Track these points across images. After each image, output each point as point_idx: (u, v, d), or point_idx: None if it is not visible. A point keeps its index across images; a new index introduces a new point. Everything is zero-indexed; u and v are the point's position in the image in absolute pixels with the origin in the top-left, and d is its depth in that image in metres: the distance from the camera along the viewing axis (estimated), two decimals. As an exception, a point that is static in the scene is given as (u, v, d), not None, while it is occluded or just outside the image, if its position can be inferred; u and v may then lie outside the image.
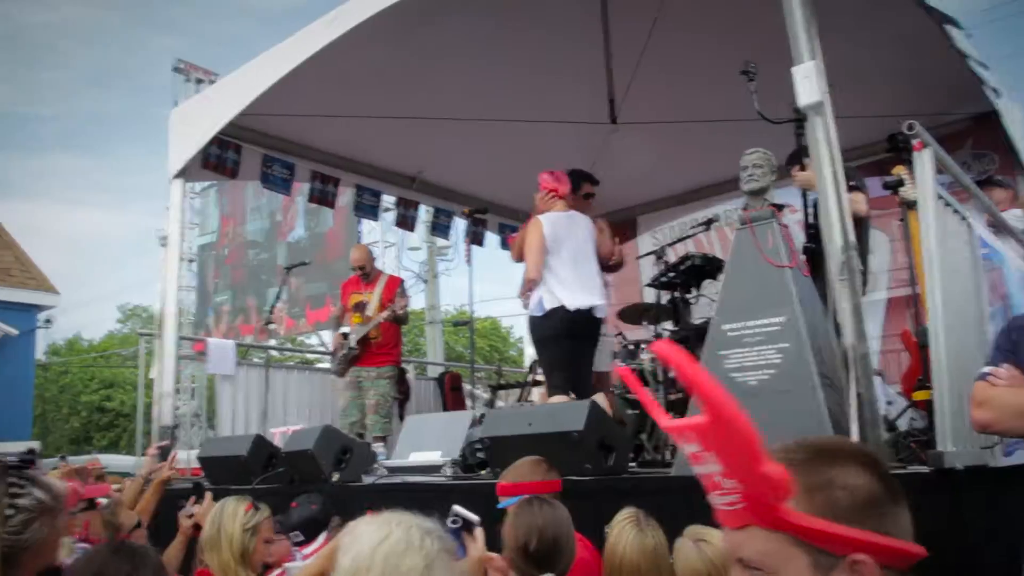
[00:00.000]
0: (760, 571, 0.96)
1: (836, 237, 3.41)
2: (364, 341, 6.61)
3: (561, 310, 5.02)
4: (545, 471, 3.12)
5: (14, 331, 14.20)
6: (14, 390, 13.97)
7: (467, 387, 8.77)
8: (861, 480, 0.95)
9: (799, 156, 4.40)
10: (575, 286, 5.08)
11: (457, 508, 2.41)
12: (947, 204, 3.15)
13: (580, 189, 5.73)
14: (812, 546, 0.92)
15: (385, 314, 6.54)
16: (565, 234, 5.21)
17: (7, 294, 14.51)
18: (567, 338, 5.05)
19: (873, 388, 3.23)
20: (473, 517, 2.41)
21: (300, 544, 3.49)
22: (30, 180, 65.35)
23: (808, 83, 3.59)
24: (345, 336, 6.79)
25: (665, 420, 1.05)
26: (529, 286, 5.16)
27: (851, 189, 3.96)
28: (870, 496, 0.95)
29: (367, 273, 6.89)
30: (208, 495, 3.82)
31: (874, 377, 3.51)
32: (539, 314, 5.10)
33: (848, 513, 0.93)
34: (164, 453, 4.83)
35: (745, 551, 0.97)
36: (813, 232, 4.18)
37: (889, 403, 4.95)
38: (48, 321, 15.41)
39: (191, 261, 17.29)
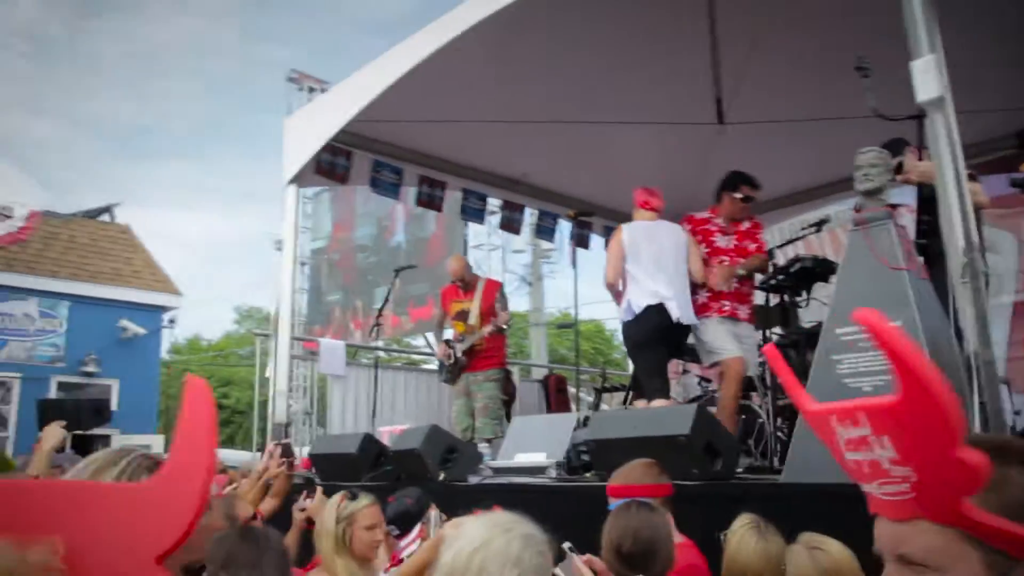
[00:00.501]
0: (925, 568, 0.90)
1: (958, 237, 3.27)
2: (469, 350, 6.73)
3: (647, 310, 5.12)
4: (657, 475, 3.09)
5: (143, 331, 15.03)
6: (142, 387, 14.80)
7: (571, 390, 8.77)
8: None
9: (897, 146, 4.21)
10: (649, 288, 5.17)
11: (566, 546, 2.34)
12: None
13: (737, 191, 5.48)
14: (988, 546, 0.86)
15: (488, 328, 6.67)
16: (645, 241, 5.30)
17: (138, 296, 15.40)
18: (657, 341, 5.18)
19: (999, 397, 3.08)
20: (578, 560, 2.35)
21: (397, 536, 3.57)
22: (151, 187, 69.08)
23: (928, 78, 3.45)
24: (449, 344, 6.93)
25: (812, 404, 1.00)
26: (610, 291, 5.45)
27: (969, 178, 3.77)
28: None
29: (466, 282, 7.00)
30: (319, 490, 3.95)
31: (1000, 386, 3.35)
32: (628, 318, 5.22)
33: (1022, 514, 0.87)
34: (286, 451, 4.94)
35: (910, 546, 0.90)
36: (925, 228, 4.01)
37: (1017, 413, 4.70)
38: (172, 321, 16.24)
39: (303, 264, 17.89)
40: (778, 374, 1.12)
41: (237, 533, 1.99)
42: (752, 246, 5.54)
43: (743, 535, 2.49)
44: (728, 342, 5.12)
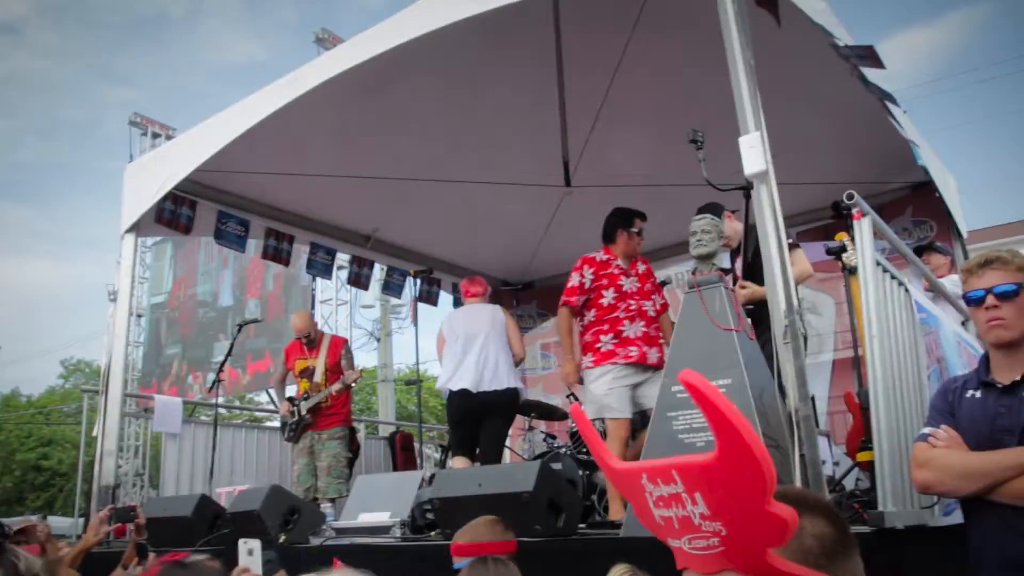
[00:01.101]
0: None
1: (781, 301, 3.50)
2: (315, 408, 6.59)
3: (451, 395, 5.75)
4: (501, 531, 3.10)
5: (-49, 386, 13.79)
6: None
7: (417, 446, 8.70)
8: (827, 529, 1.00)
9: (715, 210, 4.53)
10: (452, 372, 5.74)
11: None
12: (885, 270, 3.27)
13: (632, 226, 5.35)
14: None
15: (336, 386, 6.57)
16: (461, 324, 5.91)
17: (-56, 348, 14.13)
18: (462, 419, 5.75)
19: (816, 449, 3.29)
20: None
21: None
22: (-27, 231, 64.13)
23: (753, 152, 3.71)
24: (292, 401, 6.76)
25: (618, 463, 1.02)
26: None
27: (792, 247, 4.10)
28: (834, 544, 1.00)
29: (311, 339, 6.87)
30: (151, 556, 3.72)
31: (820, 438, 3.58)
32: (445, 398, 5.91)
33: (818, 560, 0.97)
34: (122, 515, 4.53)
35: None
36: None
37: (836, 464, 5.03)
38: (-13, 375, 15.00)
39: (140, 316, 17.03)
40: (583, 434, 1.12)
41: (171, 564, 1.79)
42: (649, 287, 5.31)
43: None
44: (615, 400, 4.81)
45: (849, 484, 4.49)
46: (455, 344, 5.80)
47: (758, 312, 4.76)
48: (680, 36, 5.43)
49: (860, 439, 4.06)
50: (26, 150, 64.73)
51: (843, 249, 4.08)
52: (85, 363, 35.86)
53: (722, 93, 3.92)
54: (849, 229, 3.36)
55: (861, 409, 4.00)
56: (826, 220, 6.77)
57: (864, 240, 3.07)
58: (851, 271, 3.93)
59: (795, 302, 3.49)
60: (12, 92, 63.45)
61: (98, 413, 6.67)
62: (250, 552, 2.95)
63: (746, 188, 3.80)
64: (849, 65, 4.39)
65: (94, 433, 6.76)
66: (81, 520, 7.76)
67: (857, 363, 4.19)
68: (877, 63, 4.32)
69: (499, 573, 2.50)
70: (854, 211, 3.11)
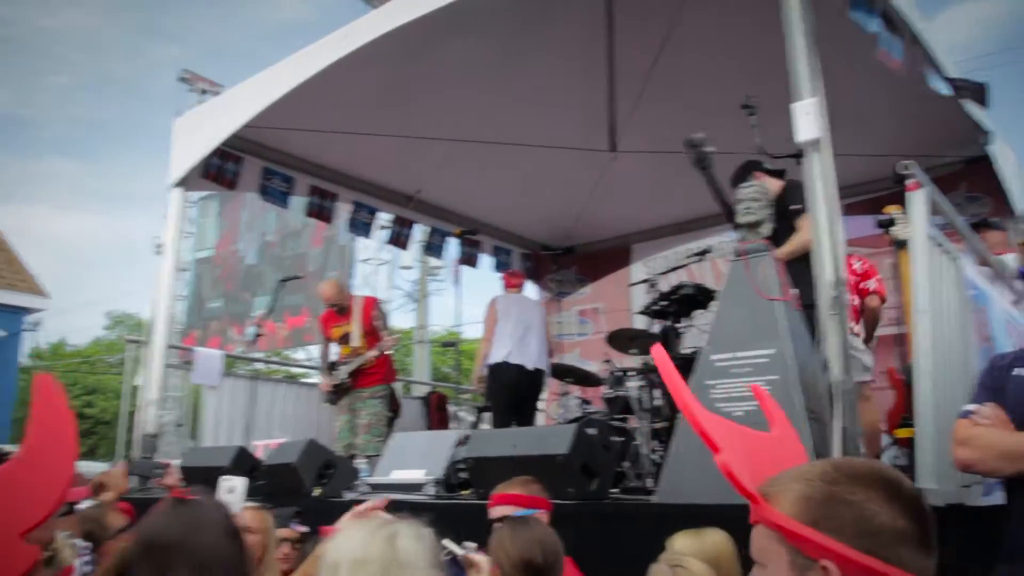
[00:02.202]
0: (761, 567, 1.05)
1: (828, 272, 3.44)
2: (355, 370, 6.63)
3: (504, 364, 6.58)
4: (538, 491, 3.11)
5: (2, 333, 14.15)
6: (-3, 392, 13.90)
7: (452, 408, 8.75)
8: (874, 505, 0.99)
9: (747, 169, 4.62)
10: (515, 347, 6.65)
11: (446, 543, 2.32)
12: (938, 244, 3.18)
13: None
14: (791, 546, 1.00)
15: (373, 353, 6.57)
16: (514, 308, 6.85)
17: (-3, 295, 14.49)
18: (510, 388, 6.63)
19: (857, 423, 3.24)
20: (458, 551, 2.34)
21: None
22: (25, 183, 65.48)
23: (807, 119, 3.64)
24: (334, 366, 6.80)
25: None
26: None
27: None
28: (875, 522, 0.98)
29: (341, 306, 6.89)
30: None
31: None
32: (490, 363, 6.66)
33: (845, 528, 0.98)
34: (139, 468, 4.57)
35: (752, 546, 1.07)
36: None
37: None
38: (36, 324, 15.36)
39: (184, 270, 17.30)
40: (667, 378, 1.26)
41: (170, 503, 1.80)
42: None
43: None
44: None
45: (885, 461, 4.43)
46: (509, 324, 6.69)
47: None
48: (733, 2, 5.30)
49: (901, 416, 4.00)
50: (76, 106, 65.63)
51: (892, 222, 3.98)
52: (129, 315, 36.65)
53: (772, 61, 3.84)
54: (903, 201, 3.27)
55: (904, 385, 3.93)
56: (874, 193, 6.63)
57: (919, 212, 2.99)
58: (900, 245, 3.83)
59: (842, 274, 3.42)
60: (64, 48, 64.29)
61: (141, 363, 6.80)
62: (231, 490, 2.97)
63: (798, 156, 3.72)
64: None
65: (137, 383, 6.90)
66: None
67: (901, 339, 4.12)
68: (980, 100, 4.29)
69: (547, 531, 2.52)
70: (909, 182, 3.02)
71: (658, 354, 1.29)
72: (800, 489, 1.02)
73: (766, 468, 1.09)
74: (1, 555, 0.87)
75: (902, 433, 3.85)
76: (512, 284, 7.16)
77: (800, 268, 4.04)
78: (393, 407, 7.02)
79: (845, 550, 0.96)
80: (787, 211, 4.35)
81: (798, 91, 3.70)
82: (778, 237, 4.31)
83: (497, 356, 6.65)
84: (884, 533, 0.98)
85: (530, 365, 6.64)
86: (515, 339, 6.66)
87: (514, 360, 6.58)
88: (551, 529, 2.56)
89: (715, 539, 2.56)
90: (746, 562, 1.11)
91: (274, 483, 4.97)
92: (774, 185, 4.69)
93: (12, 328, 14.57)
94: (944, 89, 4.64)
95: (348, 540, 1.59)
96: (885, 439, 4.75)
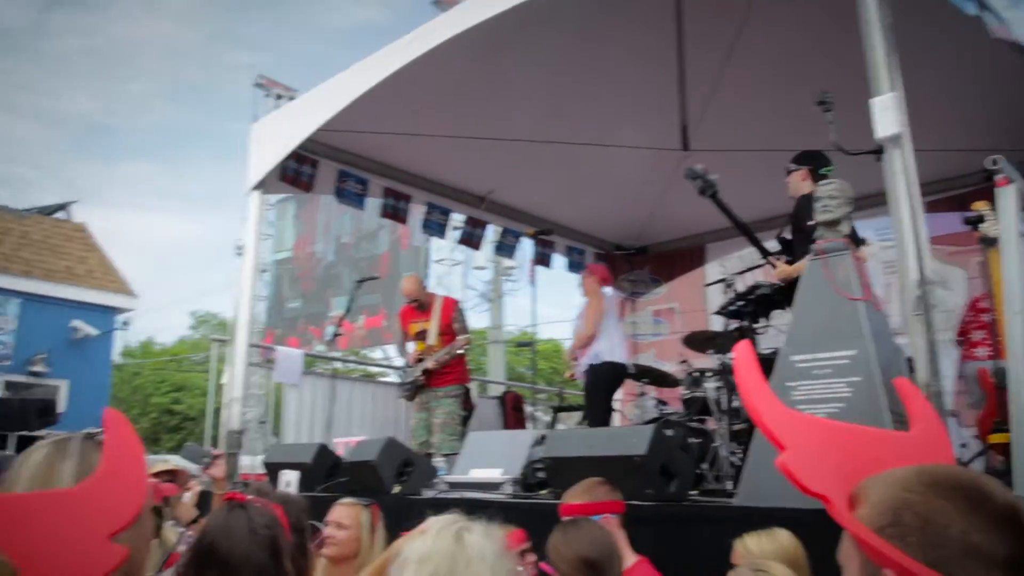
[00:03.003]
0: (844, 568, 1.05)
1: (912, 271, 3.36)
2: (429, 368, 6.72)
3: (612, 364, 6.37)
4: (606, 492, 3.12)
5: (95, 332, 14.75)
6: (91, 389, 14.48)
7: (528, 408, 8.79)
8: (947, 516, 0.93)
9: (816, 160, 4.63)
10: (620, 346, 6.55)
11: None
12: (1030, 241, 3.08)
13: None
14: (862, 552, 0.98)
15: (445, 352, 6.65)
16: (612, 307, 6.75)
17: (90, 295, 15.11)
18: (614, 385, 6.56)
19: (946, 428, 3.15)
20: None
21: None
22: (110, 187, 68.05)
23: (887, 115, 3.55)
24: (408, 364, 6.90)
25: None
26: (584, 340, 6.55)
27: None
28: (945, 534, 0.92)
29: (421, 302, 6.98)
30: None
31: (948, 418, 3.43)
32: (597, 363, 6.39)
33: (908, 537, 0.93)
34: (190, 454, 4.71)
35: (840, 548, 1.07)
36: None
37: (963, 445, 4.81)
38: (126, 323, 15.96)
39: (264, 271, 17.78)
40: (742, 375, 1.19)
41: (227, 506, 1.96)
42: None
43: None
44: None
45: (978, 468, 4.29)
46: (612, 320, 6.57)
47: (783, 293, 4.65)
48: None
49: (994, 420, 3.87)
50: (154, 112, 67.89)
51: (981, 219, 3.86)
52: (212, 315, 37.81)
53: (846, 59, 3.76)
54: (992, 197, 3.17)
55: (996, 388, 3.81)
56: (960, 189, 6.43)
57: (1009, 209, 2.90)
58: (989, 243, 3.71)
59: (928, 272, 3.34)
60: (143, 57, 66.54)
61: (226, 362, 7.01)
62: (287, 483, 3.09)
63: (877, 152, 3.63)
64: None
65: (222, 380, 7.12)
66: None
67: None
68: None
69: (598, 529, 2.54)
70: (998, 178, 2.93)
71: (742, 351, 1.22)
72: (878, 493, 0.99)
73: (873, 467, 1.06)
74: (92, 554, 0.99)
75: (996, 438, 3.72)
76: (610, 280, 6.94)
77: None
78: (467, 406, 7.08)
79: (905, 560, 0.91)
80: (805, 225, 4.22)
81: (877, 86, 3.62)
82: (793, 248, 4.51)
83: (610, 355, 6.41)
84: (952, 546, 0.91)
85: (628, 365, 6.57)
86: (619, 337, 6.58)
87: (618, 358, 6.43)
88: (604, 529, 2.61)
89: (787, 540, 2.54)
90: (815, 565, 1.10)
91: (355, 480, 5.08)
92: (802, 188, 4.74)
93: (104, 327, 15.18)
94: None
95: (420, 537, 1.64)
96: (977, 445, 4.60)
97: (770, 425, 1.10)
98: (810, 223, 4.00)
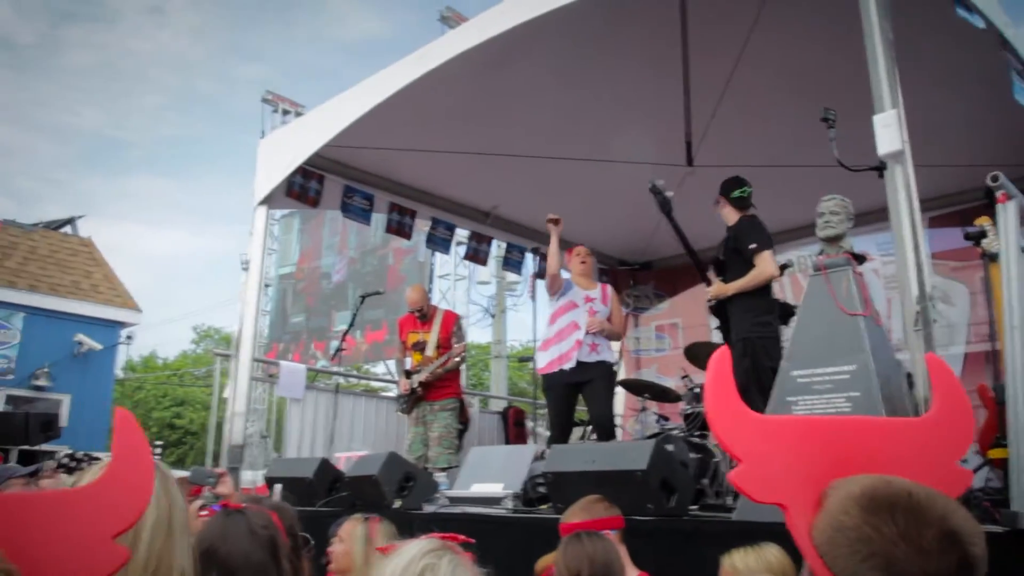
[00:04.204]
0: None
1: (912, 286, 3.37)
2: (426, 381, 6.73)
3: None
4: (604, 509, 3.12)
5: (99, 346, 14.76)
6: (94, 403, 14.48)
7: (529, 423, 8.78)
8: (870, 544, 0.95)
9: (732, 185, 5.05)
10: None
11: None
12: (1030, 257, 3.09)
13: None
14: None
15: (440, 364, 6.66)
16: None
17: (95, 310, 15.12)
18: None
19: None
20: None
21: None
22: (116, 200, 68.29)
23: (888, 132, 3.57)
24: (407, 375, 6.91)
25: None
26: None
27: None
28: (871, 559, 0.94)
29: (424, 313, 7.00)
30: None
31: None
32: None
33: (840, 562, 0.97)
34: (196, 477, 4.78)
35: None
36: None
37: (963, 460, 4.79)
38: (129, 338, 15.98)
39: (268, 286, 17.83)
40: (713, 383, 1.15)
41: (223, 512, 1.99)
42: None
43: None
44: None
45: (977, 482, 4.27)
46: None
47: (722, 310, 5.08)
48: (809, 14, 5.24)
49: (994, 435, 3.87)
50: (166, 125, 68.26)
51: (983, 235, 3.87)
52: (215, 329, 37.84)
53: (849, 75, 3.78)
54: (993, 213, 3.19)
55: (996, 404, 3.80)
56: (962, 205, 6.44)
57: (1009, 224, 2.91)
58: (991, 258, 3.72)
59: (928, 288, 3.34)
60: (157, 70, 66.97)
61: (229, 377, 7.01)
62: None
63: (879, 169, 3.65)
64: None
65: (225, 395, 7.13)
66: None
67: (994, 356, 3.99)
68: None
69: (597, 545, 2.54)
70: (998, 194, 2.94)
71: (716, 360, 1.15)
72: (826, 509, 1.02)
73: (863, 460, 1.08)
74: (94, 554, 1.01)
75: (996, 453, 3.72)
76: None
77: (749, 302, 4.76)
78: (463, 419, 7.09)
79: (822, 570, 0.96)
80: (741, 248, 4.84)
81: (880, 102, 3.64)
82: (726, 269, 5.00)
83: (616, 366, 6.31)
84: (876, 571, 0.93)
85: None
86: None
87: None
88: (607, 543, 2.61)
89: (774, 555, 2.54)
90: None
91: (356, 495, 5.08)
92: (732, 216, 5.17)
93: (108, 342, 15.20)
94: None
95: (393, 562, 1.63)
96: (977, 459, 4.60)
97: (723, 437, 1.10)
98: (751, 246, 4.76)
